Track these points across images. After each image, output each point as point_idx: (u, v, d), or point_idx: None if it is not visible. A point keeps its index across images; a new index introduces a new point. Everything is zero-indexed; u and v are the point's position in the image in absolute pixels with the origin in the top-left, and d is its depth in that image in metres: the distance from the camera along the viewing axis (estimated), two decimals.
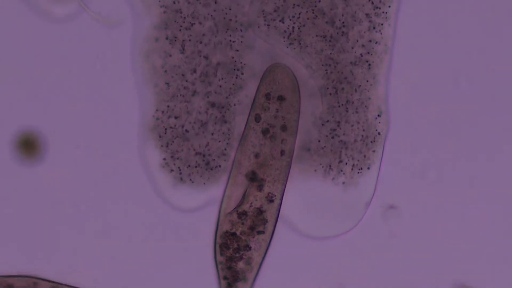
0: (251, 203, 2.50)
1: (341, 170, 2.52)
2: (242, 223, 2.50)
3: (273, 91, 2.48)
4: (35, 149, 2.53)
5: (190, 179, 2.51)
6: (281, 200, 2.51)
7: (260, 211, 2.50)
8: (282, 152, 2.46)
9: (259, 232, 2.50)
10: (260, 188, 2.48)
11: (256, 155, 2.50)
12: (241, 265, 2.51)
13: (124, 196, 2.55)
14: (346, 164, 2.51)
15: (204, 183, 2.52)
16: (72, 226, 2.54)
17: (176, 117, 2.49)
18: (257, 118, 2.48)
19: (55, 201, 2.55)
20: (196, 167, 2.51)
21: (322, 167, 2.52)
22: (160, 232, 2.55)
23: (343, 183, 2.52)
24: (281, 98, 2.48)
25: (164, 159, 2.50)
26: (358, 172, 2.52)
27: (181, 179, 2.51)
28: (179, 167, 2.51)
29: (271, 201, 2.51)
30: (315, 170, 2.52)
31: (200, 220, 2.54)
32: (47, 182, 2.54)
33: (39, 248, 2.54)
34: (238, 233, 2.49)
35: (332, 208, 2.54)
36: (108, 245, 2.55)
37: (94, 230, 2.54)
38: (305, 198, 2.54)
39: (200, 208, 2.53)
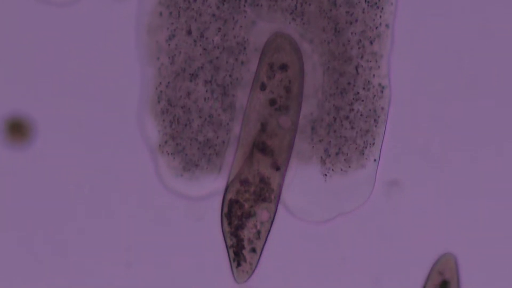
0: (256, 171, 2.49)
1: (343, 146, 2.51)
2: (246, 191, 2.49)
3: (276, 60, 2.49)
4: (24, 133, 2.52)
5: (194, 156, 2.50)
6: (286, 169, 2.51)
7: (264, 179, 2.49)
8: (287, 108, 2.46)
9: (264, 200, 2.49)
10: (264, 153, 2.48)
11: (262, 125, 2.50)
12: (247, 233, 2.50)
13: (126, 177, 2.54)
14: (348, 140, 2.51)
15: (208, 160, 2.51)
16: (74, 209, 2.54)
17: (179, 92, 2.50)
18: (262, 87, 2.49)
19: (56, 184, 2.54)
20: (200, 142, 2.50)
21: (325, 143, 2.51)
22: (164, 209, 2.54)
23: (345, 160, 2.52)
24: (284, 67, 2.49)
25: (165, 134, 2.49)
26: (362, 149, 2.52)
27: (185, 154, 2.50)
28: (179, 144, 2.50)
29: (277, 169, 2.50)
30: (313, 147, 2.51)
31: (206, 197, 2.54)
32: (48, 164, 2.54)
33: (40, 232, 2.53)
34: (241, 200, 2.49)
35: (335, 188, 2.53)
36: (110, 225, 2.54)
37: (96, 212, 2.53)
38: (308, 179, 2.53)
39: (206, 186, 2.53)
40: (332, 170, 2.51)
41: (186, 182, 2.52)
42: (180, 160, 2.51)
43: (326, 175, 2.51)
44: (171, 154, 2.50)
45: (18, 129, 2.52)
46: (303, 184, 2.53)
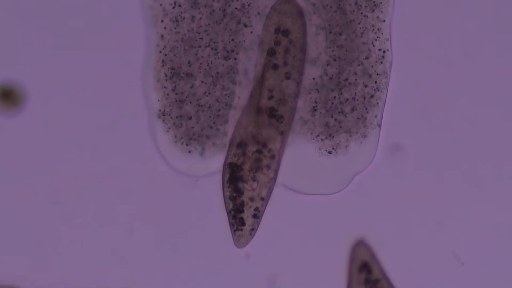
0: (258, 135, 2.50)
1: (346, 110, 2.53)
2: (246, 155, 2.50)
3: (282, 24, 2.51)
4: (14, 100, 2.51)
5: (198, 121, 2.50)
6: (287, 135, 2.52)
7: (267, 144, 2.50)
8: (287, 75, 2.48)
9: (265, 165, 2.50)
10: (270, 118, 2.48)
11: (270, 90, 2.51)
12: (246, 198, 2.51)
13: (127, 143, 2.54)
14: (351, 102, 2.53)
15: (210, 122, 2.51)
16: (70, 169, 2.53)
17: (182, 56, 2.50)
18: (271, 52, 2.50)
19: (53, 147, 2.53)
20: (203, 106, 2.50)
21: (326, 107, 2.53)
22: (164, 175, 2.54)
23: (348, 125, 2.53)
24: (286, 32, 2.50)
25: (168, 95, 2.49)
26: (364, 114, 2.53)
27: (190, 118, 2.50)
28: (182, 109, 2.50)
29: (281, 133, 2.51)
30: (316, 110, 2.52)
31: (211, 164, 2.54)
32: (43, 127, 2.53)
33: (38, 200, 2.52)
34: (239, 164, 2.49)
35: (342, 153, 2.54)
36: (108, 193, 2.53)
37: (93, 178, 2.52)
38: (310, 147, 2.54)
39: (211, 155, 2.53)
40: (335, 138, 2.53)
41: (190, 149, 2.52)
42: (184, 126, 2.50)
43: (332, 148, 2.53)
44: (174, 120, 2.50)
45: (12, 96, 2.51)
46: (306, 158, 2.55)
